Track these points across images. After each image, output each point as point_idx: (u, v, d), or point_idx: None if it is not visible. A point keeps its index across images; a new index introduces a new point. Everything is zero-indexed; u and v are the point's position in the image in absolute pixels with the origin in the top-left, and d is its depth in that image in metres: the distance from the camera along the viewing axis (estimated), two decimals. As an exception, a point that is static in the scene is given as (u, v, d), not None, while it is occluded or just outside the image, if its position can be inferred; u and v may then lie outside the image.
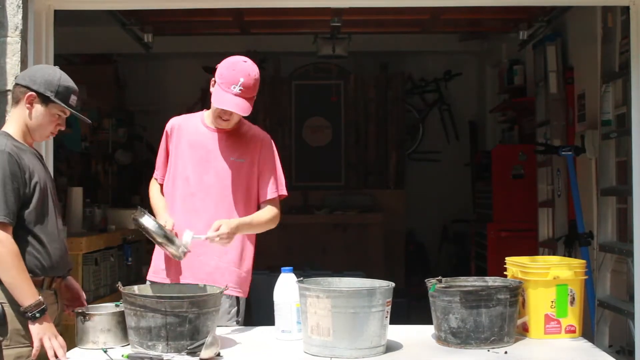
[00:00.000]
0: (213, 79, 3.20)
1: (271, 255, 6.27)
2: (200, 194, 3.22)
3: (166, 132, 3.35)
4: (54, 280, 2.90)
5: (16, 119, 2.89)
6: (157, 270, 3.27)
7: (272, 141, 3.38)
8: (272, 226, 3.31)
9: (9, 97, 3.37)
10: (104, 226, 5.72)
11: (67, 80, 2.97)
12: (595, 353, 2.79)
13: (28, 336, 2.73)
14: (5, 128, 2.91)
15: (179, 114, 3.47)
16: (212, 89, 3.21)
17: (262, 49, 8.43)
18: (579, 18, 5.76)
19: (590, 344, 2.92)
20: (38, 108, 2.87)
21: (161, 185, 3.37)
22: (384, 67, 8.82)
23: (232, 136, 3.28)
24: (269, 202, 3.30)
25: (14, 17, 3.40)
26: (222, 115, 3.19)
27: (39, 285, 2.78)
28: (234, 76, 3.09)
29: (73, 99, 2.97)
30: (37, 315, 2.69)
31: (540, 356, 2.73)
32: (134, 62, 8.45)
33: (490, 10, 5.96)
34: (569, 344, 2.87)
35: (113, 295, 5.36)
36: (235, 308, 3.27)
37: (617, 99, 4.98)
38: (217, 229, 3.02)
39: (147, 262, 3.45)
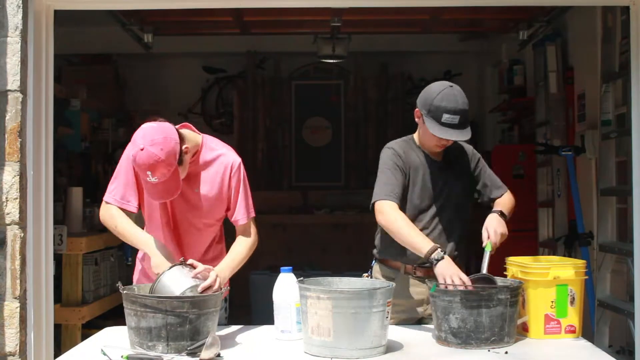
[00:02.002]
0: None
1: (271, 255, 6.27)
2: (174, 228, 3.18)
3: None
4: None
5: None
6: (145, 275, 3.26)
7: (240, 164, 3.20)
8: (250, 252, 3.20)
9: (9, 97, 3.37)
10: (104, 226, 5.71)
11: (444, 100, 3.16)
12: (595, 353, 2.79)
13: None
14: None
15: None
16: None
17: (262, 49, 8.44)
18: (579, 18, 5.76)
19: (590, 344, 2.92)
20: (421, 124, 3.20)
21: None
22: (384, 67, 8.82)
23: (194, 169, 3.13)
24: (243, 229, 3.19)
25: (14, 17, 3.40)
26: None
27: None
28: (141, 170, 2.89)
29: (445, 117, 3.13)
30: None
31: (540, 356, 2.73)
32: (134, 62, 8.44)
33: (490, 10, 5.96)
34: (569, 344, 2.87)
35: (113, 295, 5.37)
36: (225, 307, 3.28)
37: (617, 99, 4.98)
38: (211, 279, 2.89)
39: (147, 262, 3.44)
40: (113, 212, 3.13)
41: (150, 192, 2.96)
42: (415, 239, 3.03)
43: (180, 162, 2.94)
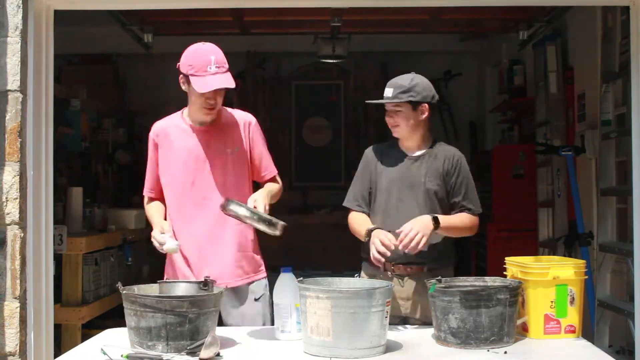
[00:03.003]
0: (181, 76, 3.21)
1: (271, 255, 6.26)
2: (208, 195, 3.22)
3: (154, 141, 3.33)
4: None
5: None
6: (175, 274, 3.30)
7: (256, 120, 3.37)
8: (279, 196, 3.36)
9: (9, 97, 3.37)
10: (104, 226, 5.72)
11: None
12: (595, 353, 2.79)
13: None
14: None
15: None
16: (184, 87, 3.23)
17: (262, 49, 8.43)
18: (579, 18, 5.77)
19: (590, 344, 2.92)
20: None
21: (153, 199, 3.38)
22: (384, 67, 8.81)
23: (217, 129, 3.27)
24: (273, 180, 3.37)
25: (14, 17, 3.40)
26: (208, 102, 3.16)
27: None
28: (204, 59, 3.10)
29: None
30: None
31: (540, 356, 2.73)
32: (134, 62, 8.44)
33: (490, 10, 5.96)
34: (568, 344, 2.87)
35: (113, 295, 5.36)
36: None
37: (617, 99, 4.98)
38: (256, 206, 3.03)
39: (147, 262, 3.47)
40: (146, 205, 3.40)
41: (208, 81, 3.07)
42: (361, 226, 3.20)
43: None
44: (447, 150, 3.38)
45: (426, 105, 3.31)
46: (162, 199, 3.36)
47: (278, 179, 3.39)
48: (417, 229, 3.05)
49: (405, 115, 3.28)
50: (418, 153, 3.34)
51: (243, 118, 3.33)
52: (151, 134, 3.36)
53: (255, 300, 3.29)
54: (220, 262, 3.22)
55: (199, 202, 3.23)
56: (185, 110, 3.33)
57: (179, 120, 3.32)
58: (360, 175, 3.42)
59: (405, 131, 3.31)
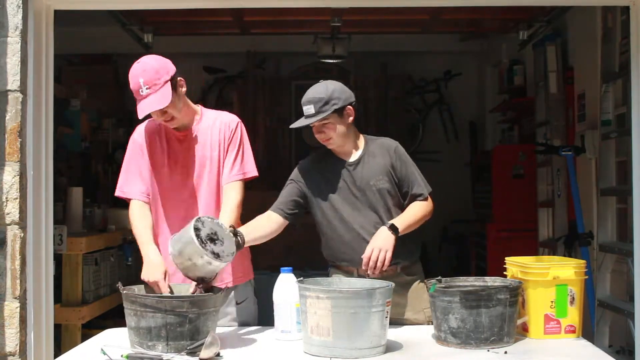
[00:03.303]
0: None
1: (271, 255, 6.26)
2: (188, 199, 3.21)
3: (138, 143, 3.27)
4: None
5: None
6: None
7: (239, 122, 3.30)
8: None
9: (9, 96, 3.37)
10: (104, 226, 5.72)
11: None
12: (595, 353, 2.79)
13: None
14: None
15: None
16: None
17: (262, 49, 8.43)
18: (579, 18, 5.76)
19: (590, 344, 2.92)
20: None
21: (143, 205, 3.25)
22: (384, 67, 8.81)
23: (198, 132, 3.24)
24: (232, 185, 3.21)
25: (14, 17, 3.40)
26: (160, 119, 3.13)
27: None
28: (134, 82, 3.04)
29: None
30: None
31: (540, 356, 2.73)
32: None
33: (490, 10, 5.96)
34: (568, 344, 2.87)
35: (113, 295, 5.37)
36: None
37: (617, 99, 4.98)
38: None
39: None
40: (132, 208, 3.23)
41: (141, 106, 3.01)
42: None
43: (174, 87, 3.07)
44: (382, 144, 3.35)
45: (350, 107, 3.24)
46: (151, 205, 3.26)
47: (239, 186, 3.22)
48: (380, 247, 3.05)
49: (334, 126, 3.21)
50: (356, 156, 3.31)
51: (224, 120, 3.28)
52: (137, 137, 3.28)
53: (237, 304, 3.29)
54: None
55: (177, 204, 3.21)
56: None
57: (159, 124, 3.26)
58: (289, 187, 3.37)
59: (339, 141, 3.26)
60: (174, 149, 3.25)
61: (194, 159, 3.22)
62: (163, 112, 3.08)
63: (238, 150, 3.24)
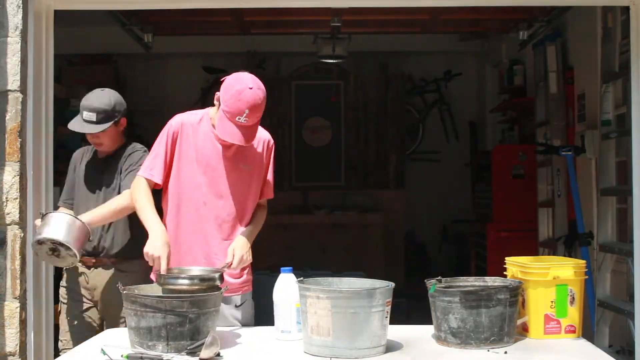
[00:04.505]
0: (217, 94, 3.12)
1: (271, 255, 6.26)
2: (213, 202, 3.20)
3: (173, 132, 3.22)
4: None
5: None
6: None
7: (274, 142, 3.41)
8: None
9: (9, 96, 3.37)
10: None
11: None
12: (595, 353, 2.79)
13: None
14: None
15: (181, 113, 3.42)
16: (216, 111, 3.15)
17: (262, 49, 8.43)
18: (579, 18, 5.77)
19: (590, 344, 2.92)
20: None
21: (151, 186, 3.24)
22: (384, 67, 8.81)
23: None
24: (263, 203, 3.38)
25: (14, 17, 3.40)
26: (221, 140, 3.17)
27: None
28: (239, 107, 3.01)
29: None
30: None
31: (540, 356, 2.73)
32: (134, 62, 8.45)
33: (490, 10, 5.97)
34: (568, 344, 2.87)
35: (113, 295, 5.36)
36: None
37: (617, 99, 4.98)
38: (233, 256, 3.07)
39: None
40: (139, 182, 3.20)
41: (231, 134, 3.04)
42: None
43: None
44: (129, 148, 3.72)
45: (124, 118, 3.69)
46: (160, 188, 3.26)
47: (265, 205, 3.40)
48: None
49: (110, 134, 3.66)
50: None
51: (265, 137, 3.35)
52: (173, 124, 3.24)
53: (236, 306, 3.29)
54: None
55: (199, 206, 3.21)
56: (212, 110, 3.25)
57: (205, 120, 3.26)
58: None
59: (111, 146, 3.71)
60: (210, 147, 3.21)
61: (226, 163, 3.21)
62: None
63: (273, 172, 3.37)
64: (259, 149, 3.31)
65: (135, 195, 3.18)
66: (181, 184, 3.22)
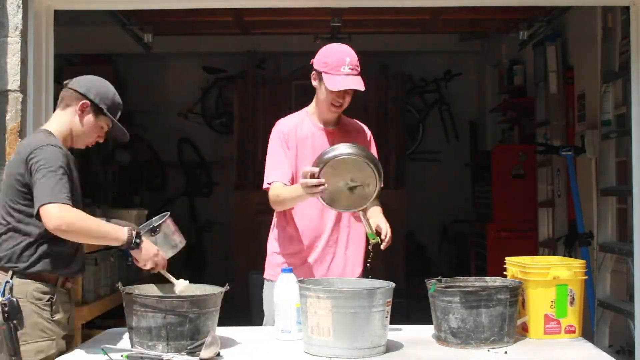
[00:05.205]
0: (313, 72, 3.25)
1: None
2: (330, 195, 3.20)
3: (283, 136, 3.30)
4: (67, 280, 2.94)
5: (61, 122, 2.96)
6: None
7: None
8: None
9: (9, 96, 3.37)
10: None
11: (118, 97, 3.10)
12: (595, 353, 2.79)
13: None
14: (47, 126, 2.94)
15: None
16: (315, 83, 3.28)
17: (262, 49, 8.43)
18: (579, 18, 5.77)
19: (590, 344, 2.92)
20: (89, 117, 2.99)
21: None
22: (384, 67, 8.81)
23: (341, 131, 3.32)
24: None
25: (14, 17, 3.40)
26: (337, 99, 3.23)
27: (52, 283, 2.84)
28: (339, 58, 3.17)
29: (119, 114, 3.07)
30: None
31: (540, 356, 2.73)
32: (134, 62, 8.45)
33: (490, 10, 5.97)
34: (568, 344, 2.87)
35: (113, 295, 5.36)
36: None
37: (617, 99, 4.98)
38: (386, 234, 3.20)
39: (147, 262, 3.42)
40: (276, 187, 3.22)
41: (340, 82, 3.16)
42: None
43: None
44: None
45: None
46: None
47: None
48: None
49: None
50: None
51: (365, 128, 3.42)
52: (278, 131, 3.32)
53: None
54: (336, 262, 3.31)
55: (317, 201, 3.17)
56: (310, 108, 3.36)
57: (307, 120, 3.34)
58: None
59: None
60: (321, 142, 3.27)
61: None
62: (349, 94, 3.29)
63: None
64: (360, 137, 3.35)
65: (280, 196, 3.21)
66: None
